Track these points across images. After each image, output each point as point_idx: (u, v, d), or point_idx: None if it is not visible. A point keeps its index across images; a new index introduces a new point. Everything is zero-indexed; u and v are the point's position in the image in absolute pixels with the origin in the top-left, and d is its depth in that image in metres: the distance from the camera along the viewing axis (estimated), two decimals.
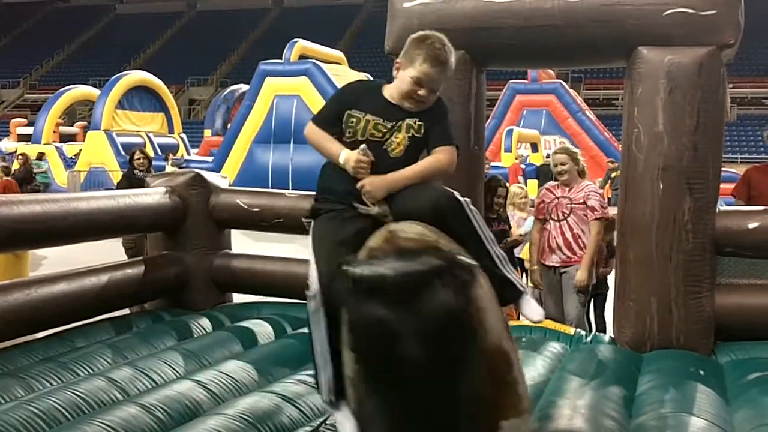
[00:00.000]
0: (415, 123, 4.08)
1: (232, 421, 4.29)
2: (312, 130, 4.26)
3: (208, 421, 4.32)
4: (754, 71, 53.94)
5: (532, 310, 4.03)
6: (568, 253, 6.94)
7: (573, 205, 6.95)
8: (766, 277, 6.17)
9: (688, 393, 4.84)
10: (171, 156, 25.61)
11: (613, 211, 7.10)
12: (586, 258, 6.87)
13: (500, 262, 3.92)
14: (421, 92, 4.05)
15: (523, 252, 9.15)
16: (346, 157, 4.03)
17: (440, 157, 4.09)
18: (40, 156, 28.38)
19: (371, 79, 27.29)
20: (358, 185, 3.95)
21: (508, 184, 8.80)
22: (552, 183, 7.37)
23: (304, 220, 4.14)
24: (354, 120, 4.09)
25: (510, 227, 8.29)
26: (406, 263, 3.10)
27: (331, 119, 4.19)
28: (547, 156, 27.64)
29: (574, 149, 7.34)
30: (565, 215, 6.97)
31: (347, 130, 4.11)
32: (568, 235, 6.96)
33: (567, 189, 7.04)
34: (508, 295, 3.93)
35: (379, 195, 3.94)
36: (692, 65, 5.76)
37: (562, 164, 7.08)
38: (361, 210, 3.95)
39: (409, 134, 4.08)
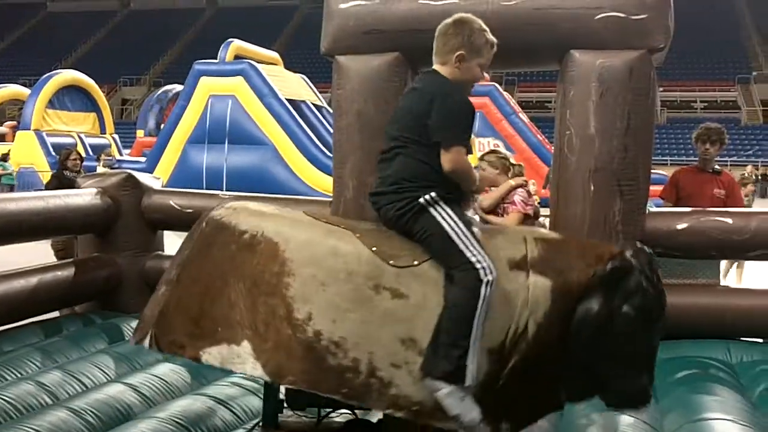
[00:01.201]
0: None
1: (164, 425, 4.26)
2: (465, 159, 4.16)
3: (140, 425, 4.28)
4: (683, 75, 54.88)
5: None
6: None
7: (505, 204, 6.99)
8: (694, 277, 6.29)
9: None
10: (103, 156, 25.16)
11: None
12: None
13: None
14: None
15: None
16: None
17: None
18: (4, 157, 27.63)
19: (303, 78, 27.29)
20: (480, 197, 4.39)
21: None
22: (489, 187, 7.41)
23: (432, 195, 3.93)
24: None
25: None
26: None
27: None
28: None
29: (497, 155, 7.34)
30: (499, 216, 7.01)
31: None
32: None
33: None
34: None
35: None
36: (623, 68, 5.84)
37: (482, 170, 7.13)
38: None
39: None
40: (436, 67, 4.24)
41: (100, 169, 18.46)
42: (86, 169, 11.84)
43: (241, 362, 3.73)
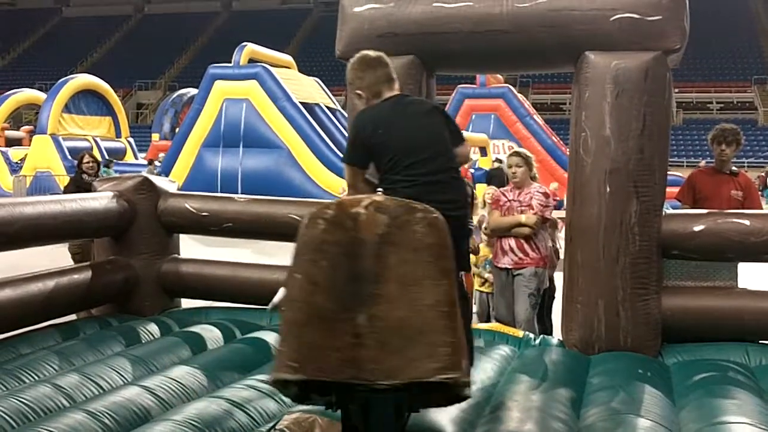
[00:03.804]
0: None
1: (181, 427, 4.26)
2: None
3: (156, 428, 4.28)
4: (699, 76, 54.69)
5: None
6: (521, 255, 6.92)
7: (522, 208, 6.97)
8: (712, 280, 6.26)
9: (635, 394, 4.89)
10: (155, 162, 24.74)
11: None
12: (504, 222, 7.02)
13: None
14: None
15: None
16: None
17: None
18: (108, 163, 27.42)
19: (317, 81, 27.36)
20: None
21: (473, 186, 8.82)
22: (505, 187, 7.40)
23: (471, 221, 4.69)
24: None
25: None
26: None
27: None
28: (495, 160, 27.77)
29: (530, 154, 7.36)
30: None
31: None
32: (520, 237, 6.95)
33: (518, 192, 7.06)
34: None
35: None
36: (638, 70, 5.83)
37: (518, 166, 7.08)
38: None
39: None
40: (398, 90, 4.80)
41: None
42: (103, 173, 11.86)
43: None
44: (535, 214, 6.90)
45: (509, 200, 7.09)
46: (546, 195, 7.07)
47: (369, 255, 3.57)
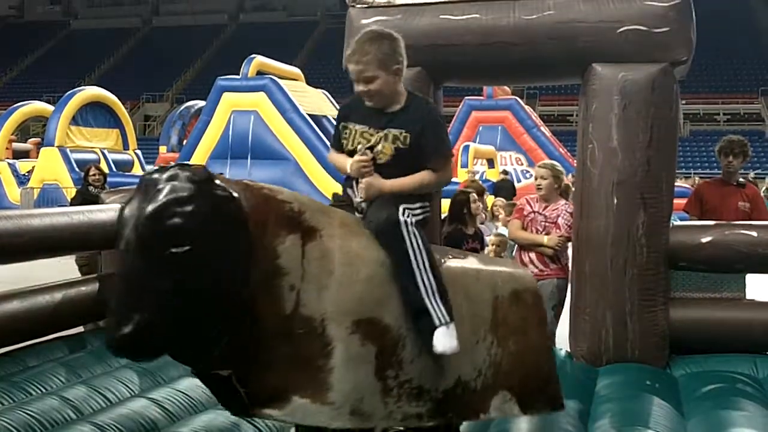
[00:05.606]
0: (401, 134, 3.94)
1: None
2: (330, 154, 4.33)
3: None
4: (706, 87, 54.61)
5: (438, 341, 3.64)
6: (541, 267, 6.84)
7: (547, 224, 6.89)
8: (720, 291, 6.24)
9: (643, 406, 4.88)
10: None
11: None
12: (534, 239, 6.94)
13: (427, 290, 3.68)
14: (360, 87, 4.02)
15: None
16: (350, 163, 3.98)
17: (432, 171, 3.97)
18: None
19: (325, 93, 27.40)
20: (361, 180, 3.93)
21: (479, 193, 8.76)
22: (532, 195, 7.32)
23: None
24: (347, 131, 4.08)
25: (483, 247, 8.08)
26: None
27: (336, 138, 4.18)
28: (503, 172, 27.77)
29: (559, 168, 7.27)
30: (539, 233, 6.90)
31: (343, 142, 4.09)
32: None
33: (544, 206, 6.97)
34: (422, 325, 3.67)
35: (370, 194, 3.91)
36: (645, 82, 5.83)
37: (542, 178, 6.99)
38: (348, 195, 4.08)
39: (395, 146, 3.95)
40: None
41: None
42: (110, 185, 11.88)
43: None
44: (560, 236, 6.83)
45: (533, 212, 6.99)
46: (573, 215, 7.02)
47: None
